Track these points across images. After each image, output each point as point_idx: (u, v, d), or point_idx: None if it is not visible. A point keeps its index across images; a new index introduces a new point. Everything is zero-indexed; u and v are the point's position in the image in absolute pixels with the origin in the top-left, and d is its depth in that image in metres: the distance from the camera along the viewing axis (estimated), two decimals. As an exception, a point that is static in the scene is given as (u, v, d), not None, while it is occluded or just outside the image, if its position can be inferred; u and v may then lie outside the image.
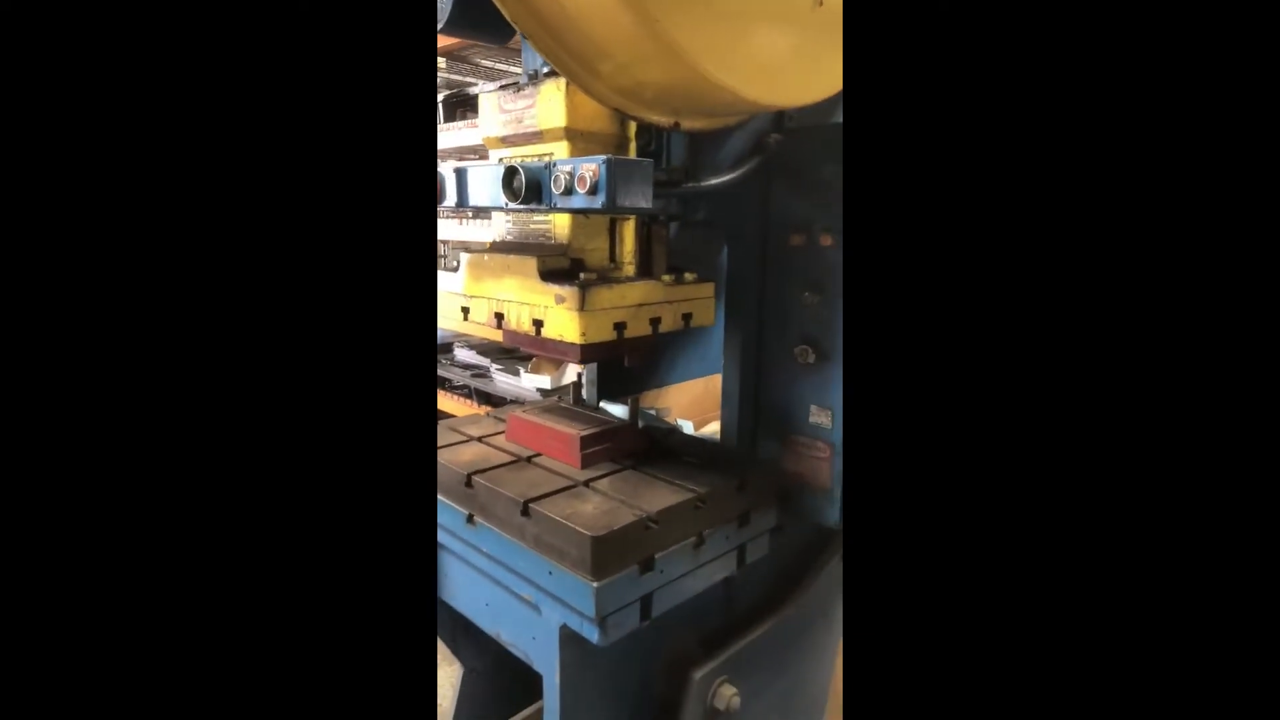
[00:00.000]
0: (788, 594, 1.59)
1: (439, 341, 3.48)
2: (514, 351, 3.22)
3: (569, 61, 1.00)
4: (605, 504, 1.21)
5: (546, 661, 1.22)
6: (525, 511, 1.19)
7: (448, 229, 3.25)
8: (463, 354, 3.43)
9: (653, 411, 1.79)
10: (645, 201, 0.96)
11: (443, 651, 1.64)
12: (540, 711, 1.79)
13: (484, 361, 3.26)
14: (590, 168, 0.91)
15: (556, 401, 1.63)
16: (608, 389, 1.78)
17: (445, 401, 3.24)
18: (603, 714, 1.29)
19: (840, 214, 1.31)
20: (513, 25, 0.96)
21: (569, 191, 0.94)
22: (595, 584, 1.07)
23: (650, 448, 1.46)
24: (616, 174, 0.91)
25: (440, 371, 3.35)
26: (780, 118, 1.34)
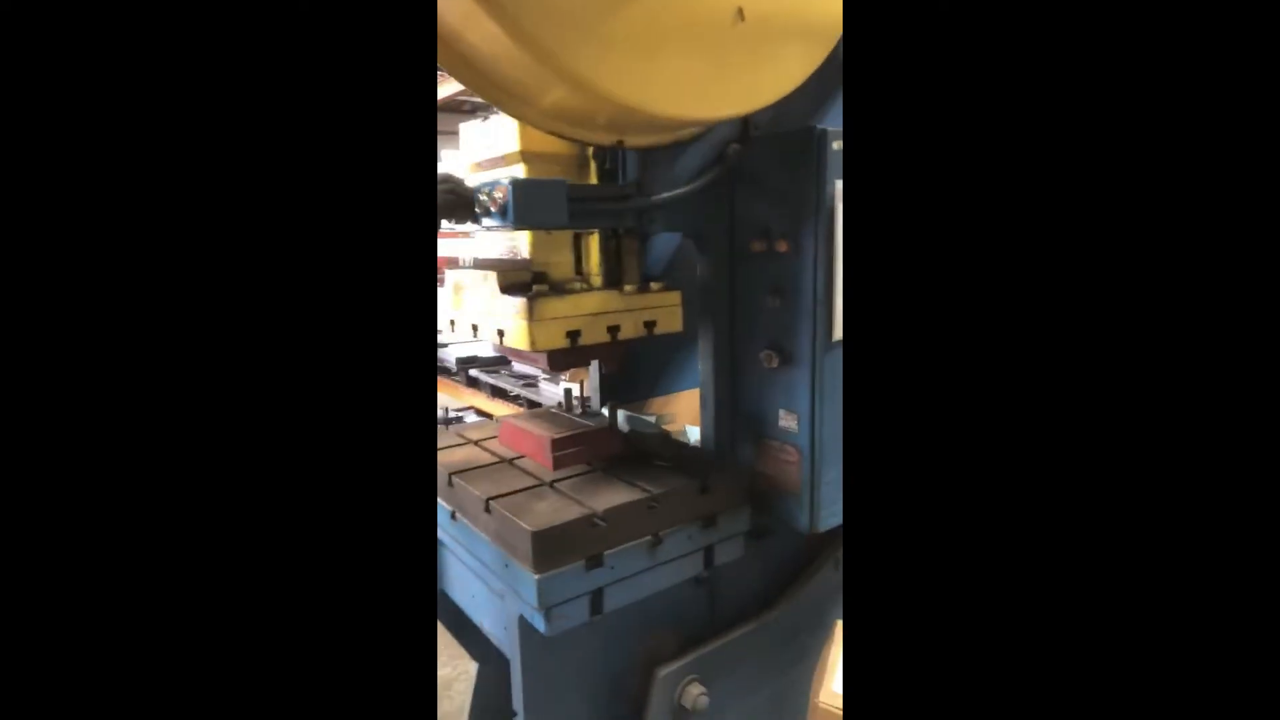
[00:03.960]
0: (772, 600, 1.59)
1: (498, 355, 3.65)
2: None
3: (497, 94, 1.10)
4: (559, 502, 1.28)
5: (512, 650, 1.30)
6: (486, 509, 1.28)
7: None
8: (519, 365, 3.62)
9: (652, 417, 1.84)
10: (558, 220, 1.03)
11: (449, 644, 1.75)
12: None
13: (535, 371, 3.42)
14: (501, 189, 0.99)
15: (548, 408, 1.72)
16: (613, 396, 1.85)
17: (500, 409, 3.42)
18: (570, 705, 1.36)
19: (797, 219, 1.32)
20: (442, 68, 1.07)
21: (487, 213, 1.03)
22: (537, 576, 1.15)
23: (625, 451, 1.51)
24: (521, 195, 0.98)
25: (497, 382, 3.55)
26: (745, 126, 1.37)
